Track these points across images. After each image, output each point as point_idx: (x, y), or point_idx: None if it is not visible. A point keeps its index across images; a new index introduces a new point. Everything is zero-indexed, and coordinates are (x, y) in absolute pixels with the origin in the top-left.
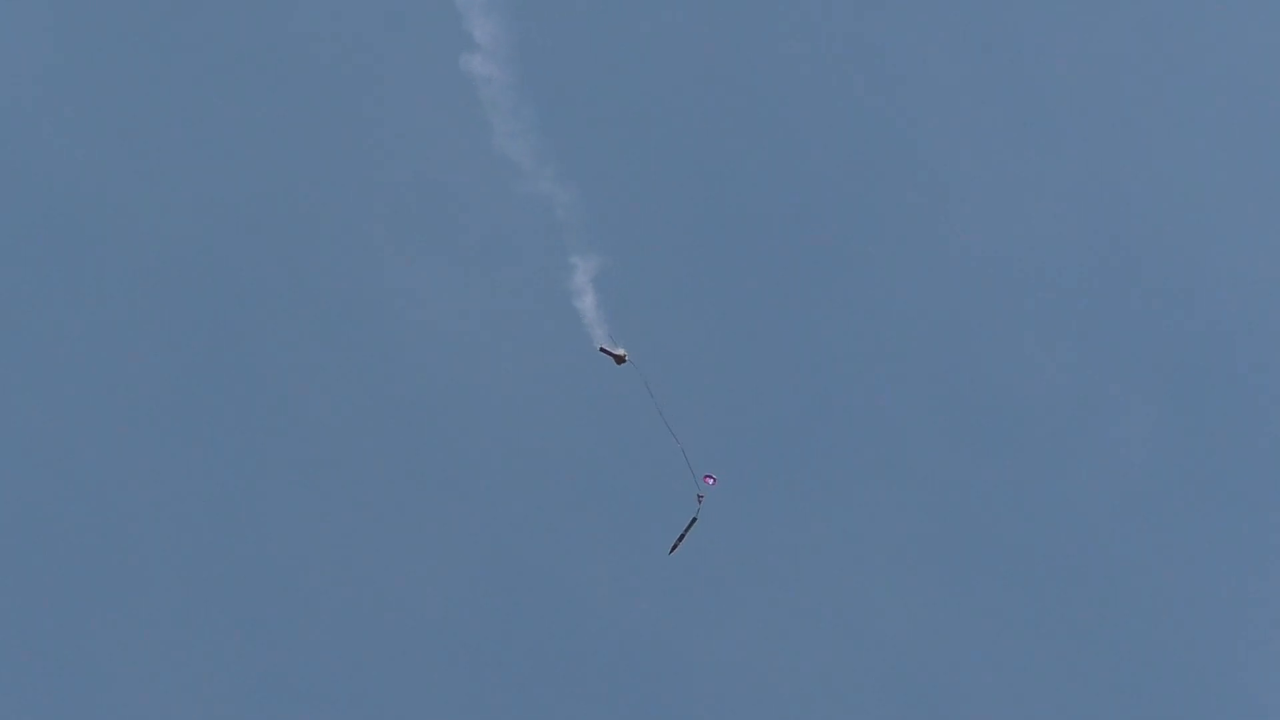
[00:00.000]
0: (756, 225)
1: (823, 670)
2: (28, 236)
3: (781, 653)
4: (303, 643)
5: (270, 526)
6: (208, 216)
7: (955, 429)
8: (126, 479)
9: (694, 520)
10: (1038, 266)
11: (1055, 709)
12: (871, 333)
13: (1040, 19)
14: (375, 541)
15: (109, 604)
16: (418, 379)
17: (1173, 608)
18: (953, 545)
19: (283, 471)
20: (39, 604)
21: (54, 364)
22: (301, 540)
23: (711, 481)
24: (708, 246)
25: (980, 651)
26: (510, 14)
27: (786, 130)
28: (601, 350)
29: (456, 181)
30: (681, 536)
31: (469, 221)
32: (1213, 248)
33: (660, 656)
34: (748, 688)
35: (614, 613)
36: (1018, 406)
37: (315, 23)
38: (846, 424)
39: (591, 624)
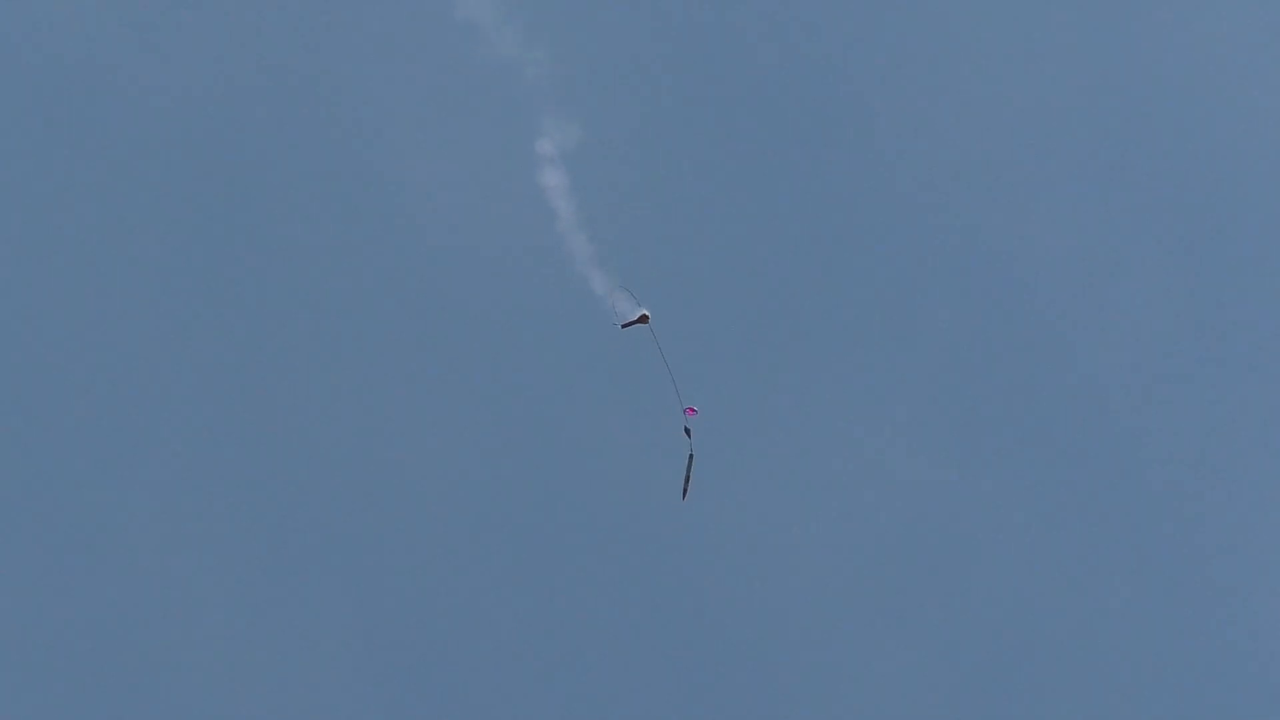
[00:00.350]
0: (748, 84)
1: (834, 535)
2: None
3: (792, 519)
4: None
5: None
6: (190, 83)
7: (963, 290)
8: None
9: (691, 457)
10: (1048, 122)
11: (1064, 569)
12: (876, 194)
13: None
14: (365, 402)
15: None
16: (402, 248)
17: (1185, 468)
18: (963, 408)
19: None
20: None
21: (49, 226)
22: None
23: (693, 413)
24: (700, 101)
25: (991, 514)
26: None
27: None
28: (625, 327)
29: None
30: (687, 479)
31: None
32: (1228, 98)
33: (669, 523)
34: (757, 552)
35: (620, 476)
36: (1028, 263)
37: None
38: (852, 286)
39: (597, 487)
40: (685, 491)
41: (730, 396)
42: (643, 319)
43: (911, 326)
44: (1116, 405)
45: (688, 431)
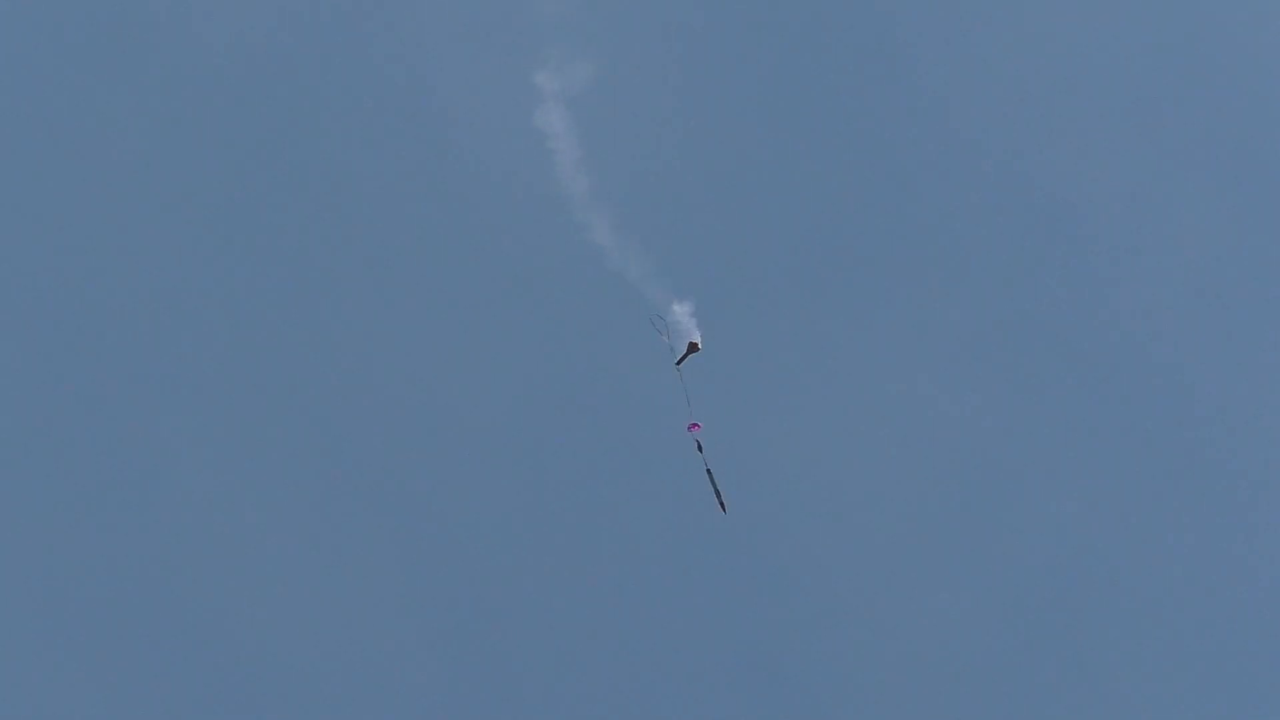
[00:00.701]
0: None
1: (875, 469)
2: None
3: (832, 450)
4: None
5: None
6: None
7: (1002, 222)
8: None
9: (709, 472)
10: (1097, 55)
11: (1105, 497)
12: (913, 126)
13: None
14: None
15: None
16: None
17: (1226, 407)
18: (1002, 344)
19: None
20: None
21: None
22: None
23: (697, 428)
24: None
25: (1030, 446)
26: None
27: None
28: (680, 363)
29: None
30: (718, 493)
31: None
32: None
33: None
34: (795, 484)
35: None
36: (1074, 199)
37: None
38: (894, 221)
39: (624, 426)
40: (723, 505)
41: (767, 334)
42: (693, 348)
43: (950, 260)
44: (1157, 335)
45: (699, 446)
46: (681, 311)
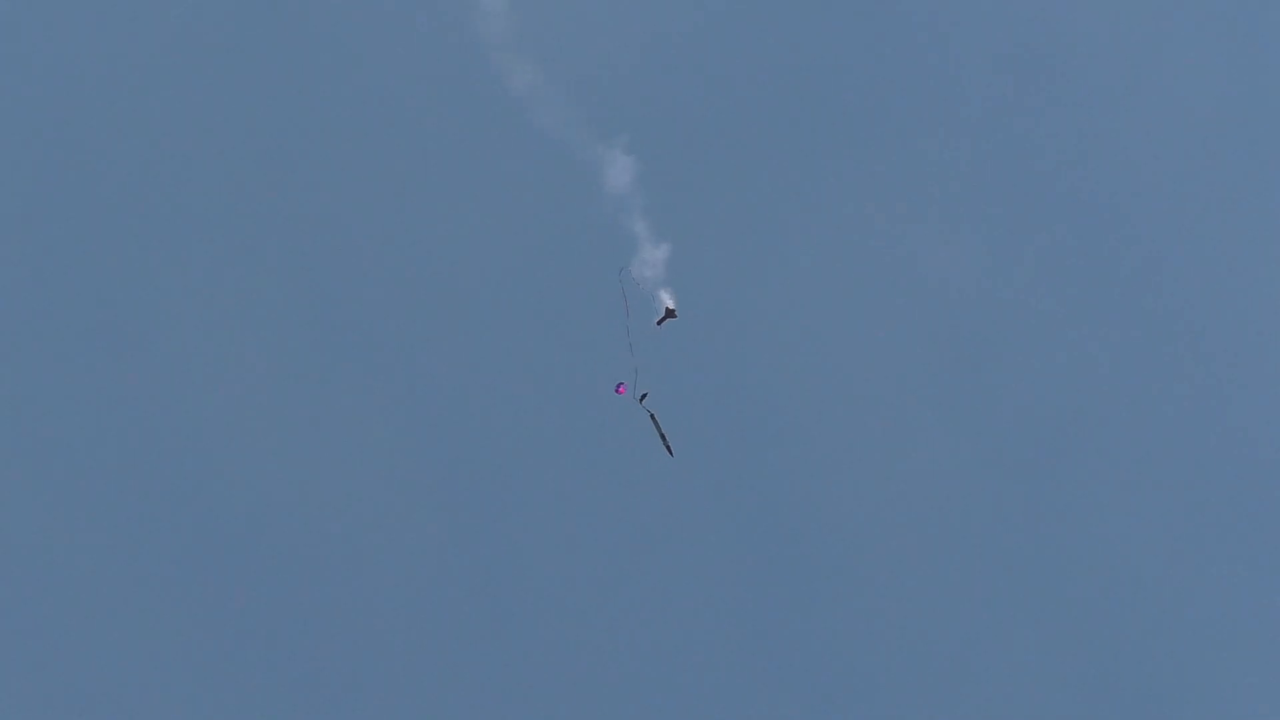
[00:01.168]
0: None
1: (867, 318)
2: None
3: (828, 301)
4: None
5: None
6: None
7: (989, 71)
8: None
9: (653, 417)
10: None
11: (1089, 351)
12: None
13: None
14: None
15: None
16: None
17: (1217, 255)
18: (997, 192)
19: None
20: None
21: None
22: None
23: (624, 390)
24: None
25: (1020, 299)
26: None
27: None
28: (659, 323)
29: None
30: (663, 437)
31: None
32: None
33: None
34: (791, 337)
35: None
36: (1067, 41)
37: None
38: (888, 67)
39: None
40: (669, 449)
41: (754, 189)
42: (670, 314)
43: (934, 113)
44: (1149, 182)
45: (641, 398)
46: (657, 284)
